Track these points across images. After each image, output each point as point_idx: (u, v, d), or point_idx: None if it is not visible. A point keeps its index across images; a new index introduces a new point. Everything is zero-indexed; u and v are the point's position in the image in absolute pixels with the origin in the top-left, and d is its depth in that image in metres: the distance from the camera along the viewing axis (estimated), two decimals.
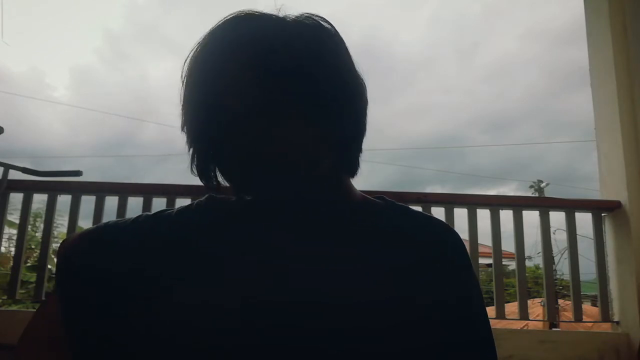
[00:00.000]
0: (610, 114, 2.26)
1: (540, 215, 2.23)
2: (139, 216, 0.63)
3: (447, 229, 0.64)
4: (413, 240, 0.61)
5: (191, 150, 0.58)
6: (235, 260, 0.58)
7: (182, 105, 0.58)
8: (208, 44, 0.56)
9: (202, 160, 0.58)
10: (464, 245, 0.63)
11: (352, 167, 0.64)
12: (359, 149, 0.63)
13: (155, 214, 0.64)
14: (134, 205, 2.26)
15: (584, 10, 2.49)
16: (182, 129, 0.58)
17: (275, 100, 0.54)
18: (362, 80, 0.61)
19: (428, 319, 0.57)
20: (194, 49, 0.57)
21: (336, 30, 0.60)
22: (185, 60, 0.57)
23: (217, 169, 0.59)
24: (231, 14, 0.57)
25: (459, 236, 0.64)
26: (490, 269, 2.61)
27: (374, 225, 0.62)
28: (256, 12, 0.57)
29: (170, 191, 2.23)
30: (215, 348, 0.54)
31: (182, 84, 0.57)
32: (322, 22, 0.59)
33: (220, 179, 0.60)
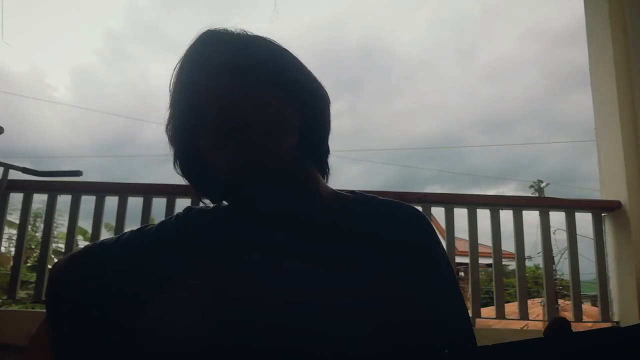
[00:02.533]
0: (610, 114, 2.26)
1: (540, 215, 2.23)
2: (123, 234, 0.67)
3: (412, 213, 0.67)
4: (380, 232, 0.63)
5: (173, 150, 0.64)
6: (216, 265, 0.60)
7: (169, 107, 0.64)
8: (185, 60, 0.63)
9: (185, 163, 0.64)
10: (431, 227, 0.66)
11: (321, 163, 0.67)
12: (326, 148, 0.67)
13: (138, 230, 0.67)
14: (134, 205, 2.26)
15: (584, 11, 2.49)
16: (166, 130, 0.64)
17: (244, 82, 0.59)
18: (319, 82, 0.66)
19: (401, 300, 0.58)
20: (174, 68, 0.63)
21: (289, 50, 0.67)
22: (170, 80, 0.63)
23: (197, 172, 0.64)
24: (201, 33, 0.64)
25: (424, 218, 0.67)
26: (490, 269, 2.61)
27: (342, 224, 0.64)
28: (221, 29, 0.64)
29: (170, 191, 2.23)
30: (201, 351, 0.55)
31: (170, 91, 0.63)
32: (271, 38, 0.66)
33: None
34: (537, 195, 18.86)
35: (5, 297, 2.37)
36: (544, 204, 2.30)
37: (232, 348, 0.55)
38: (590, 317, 3.41)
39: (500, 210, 2.20)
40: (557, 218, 2.25)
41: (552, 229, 2.31)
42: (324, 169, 0.68)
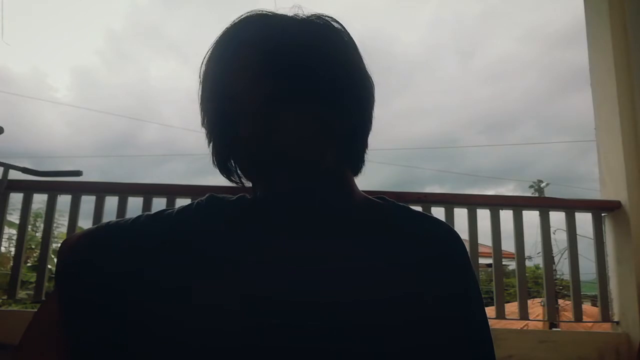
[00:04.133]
0: (610, 114, 2.26)
1: (540, 215, 2.23)
2: (139, 216, 0.64)
3: (448, 229, 0.65)
4: (416, 239, 0.61)
5: (210, 145, 0.61)
6: (236, 260, 0.58)
7: (200, 102, 0.60)
8: (221, 43, 0.58)
9: (220, 154, 0.61)
10: (464, 246, 0.63)
11: (357, 164, 0.64)
12: (364, 145, 0.64)
13: (155, 214, 0.64)
14: (134, 205, 2.26)
15: (584, 11, 2.49)
16: (202, 124, 0.61)
17: (283, 94, 0.55)
18: (371, 78, 0.62)
19: (430, 318, 0.57)
20: (209, 49, 0.59)
21: (345, 29, 0.61)
22: (202, 61, 0.59)
23: (233, 162, 0.61)
24: (243, 14, 0.59)
25: (459, 237, 0.64)
26: (490, 269, 2.61)
27: (378, 224, 0.63)
28: (267, 11, 0.59)
29: (170, 191, 2.23)
30: (214, 348, 0.54)
31: (200, 83, 0.59)
32: (331, 22, 0.60)
33: (239, 173, 0.61)
34: (537, 195, 18.85)
35: (5, 297, 2.36)
36: (544, 204, 2.30)
37: (255, 347, 0.53)
38: (590, 317, 3.41)
39: (500, 210, 2.20)
40: (557, 218, 2.25)
41: (552, 229, 2.31)
42: (360, 165, 0.65)
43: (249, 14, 0.59)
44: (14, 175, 2.22)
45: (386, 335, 0.54)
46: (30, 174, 2.22)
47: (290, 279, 0.57)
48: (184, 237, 0.61)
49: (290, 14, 0.59)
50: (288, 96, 0.55)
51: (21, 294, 2.37)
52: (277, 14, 0.59)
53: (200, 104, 0.60)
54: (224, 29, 0.59)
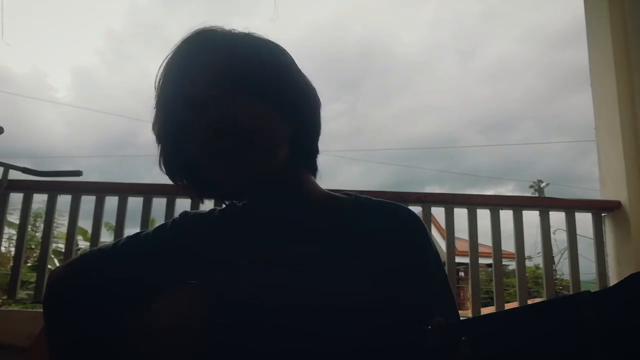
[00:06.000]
0: (610, 114, 2.26)
1: (540, 215, 2.23)
2: (119, 240, 0.68)
3: (405, 211, 0.68)
4: (378, 237, 0.64)
5: (160, 147, 0.64)
6: (211, 263, 0.61)
7: (155, 107, 0.63)
8: (179, 52, 0.62)
9: (171, 154, 0.64)
10: (422, 225, 0.67)
11: (312, 165, 0.68)
12: (314, 147, 0.67)
13: (134, 235, 0.69)
14: (134, 205, 2.26)
15: (584, 11, 2.49)
16: (153, 129, 0.64)
17: (240, 91, 0.59)
18: (311, 84, 0.67)
19: (394, 314, 0.58)
20: (165, 59, 0.63)
21: (283, 47, 0.66)
22: (159, 69, 0.63)
23: (184, 160, 0.63)
24: (197, 29, 0.63)
25: (416, 216, 0.68)
26: (490, 269, 2.61)
27: (337, 224, 0.65)
28: (217, 27, 0.64)
29: (170, 191, 2.23)
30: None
31: (156, 89, 0.63)
32: (272, 40, 0.66)
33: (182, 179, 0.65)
34: (537, 195, 18.86)
35: (5, 297, 2.37)
36: (544, 204, 2.29)
37: (230, 351, 0.55)
38: None
39: (500, 210, 2.20)
40: (557, 218, 2.25)
41: (552, 229, 2.31)
42: (314, 169, 0.69)
43: (203, 28, 0.63)
44: (14, 175, 2.22)
45: (347, 337, 0.55)
46: (30, 174, 2.22)
47: (267, 283, 0.58)
48: (163, 248, 0.65)
49: (239, 30, 0.64)
50: (244, 93, 0.59)
51: (21, 294, 2.37)
52: (226, 29, 0.64)
53: (155, 108, 0.63)
54: (180, 41, 0.63)
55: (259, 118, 0.59)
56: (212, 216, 0.69)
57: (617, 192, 2.19)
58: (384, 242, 0.63)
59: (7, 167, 2.18)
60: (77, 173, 2.20)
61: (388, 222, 0.66)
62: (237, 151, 0.57)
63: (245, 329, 0.55)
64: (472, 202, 2.22)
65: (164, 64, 0.62)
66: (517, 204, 2.25)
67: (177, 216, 0.69)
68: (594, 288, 2.25)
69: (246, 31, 0.64)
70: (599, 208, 2.24)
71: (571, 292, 2.17)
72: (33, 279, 2.81)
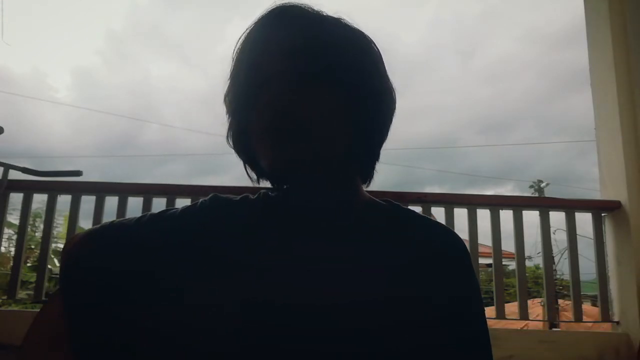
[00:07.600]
0: (610, 114, 2.26)
1: (540, 215, 2.23)
2: (143, 216, 0.63)
3: (449, 231, 0.65)
4: (418, 241, 0.62)
5: (230, 119, 0.62)
6: (239, 261, 0.58)
7: (230, 77, 0.62)
8: (261, 24, 0.60)
9: (239, 124, 0.61)
10: (466, 248, 0.64)
11: (367, 170, 0.65)
12: (376, 152, 0.64)
13: (159, 213, 0.64)
14: (134, 205, 2.26)
15: (584, 11, 2.49)
16: (224, 100, 0.63)
17: (314, 72, 0.56)
18: (394, 92, 0.64)
19: (431, 319, 0.57)
20: (247, 29, 0.61)
21: (369, 38, 0.63)
22: (238, 39, 0.61)
23: (248, 136, 0.61)
24: (273, 8, 0.60)
25: (461, 239, 0.65)
26: (490, 269, 2.61)
27: (382, 227, 0.63)
28: (305, 5, 0.61)
29: (170, 191, 2.23)
30: (217, 350, 0.54)
31: (232, 59, 0.61)
32: (364, 32, 0.62)
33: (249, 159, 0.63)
34: (537, 195, 18.85)
35: (5, 297, 2.36)
36: (544, 204, 2.29)
37: (254, 350, 0.54)
38: (590, 317, 3.41)
39: (500, 210, 2.20)
40: (557, 218, 2.25)
41: (552, 229, 2.31)
42: (366, 176, 0.66)
43: (290, 3, 0.61)
44: (14, 175, 2.22)
45: (385, 337, 0.54)
46: (30, 174, 2.22)
47: (295, 281, 0.57)
48: (188, 237, 0.61)
49: (312, 10, 0.61)
50: (318, 75, 0.57)
51: (21, 294, 2.37)
52: (315, 8, 0.61)
53: (230, 78, 0.61)
54: (265, 11, 0.60)
55: (324, 106, 0.57)
56: (245, 205, 0.65)
57: (617, 192, 2.19)
58: (421, 245, 0.61)
59: (7, 167, 2.18)
60: (77, 173, 2.20)
61: (427, 237, 0.63)
62: (291, 136, 0.55)
63: (270, 329, 0.54)
64: (472, 202, 2.22)
65: (245, 33, 0.60)
66: (517, 204, 2.25)
67: (207, 199, 0.65)
68: (594, 288, 2.26)
69: (336, 15, 0.61)
70: (599, 208, 2.24)
71: (571, 292, 2.17)
72: (33, 279, 2.80)
